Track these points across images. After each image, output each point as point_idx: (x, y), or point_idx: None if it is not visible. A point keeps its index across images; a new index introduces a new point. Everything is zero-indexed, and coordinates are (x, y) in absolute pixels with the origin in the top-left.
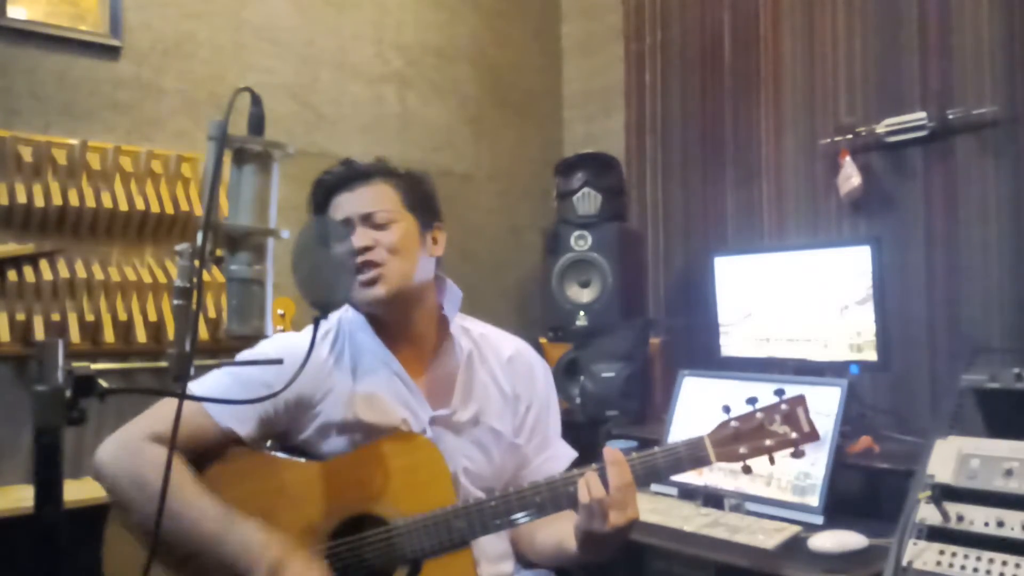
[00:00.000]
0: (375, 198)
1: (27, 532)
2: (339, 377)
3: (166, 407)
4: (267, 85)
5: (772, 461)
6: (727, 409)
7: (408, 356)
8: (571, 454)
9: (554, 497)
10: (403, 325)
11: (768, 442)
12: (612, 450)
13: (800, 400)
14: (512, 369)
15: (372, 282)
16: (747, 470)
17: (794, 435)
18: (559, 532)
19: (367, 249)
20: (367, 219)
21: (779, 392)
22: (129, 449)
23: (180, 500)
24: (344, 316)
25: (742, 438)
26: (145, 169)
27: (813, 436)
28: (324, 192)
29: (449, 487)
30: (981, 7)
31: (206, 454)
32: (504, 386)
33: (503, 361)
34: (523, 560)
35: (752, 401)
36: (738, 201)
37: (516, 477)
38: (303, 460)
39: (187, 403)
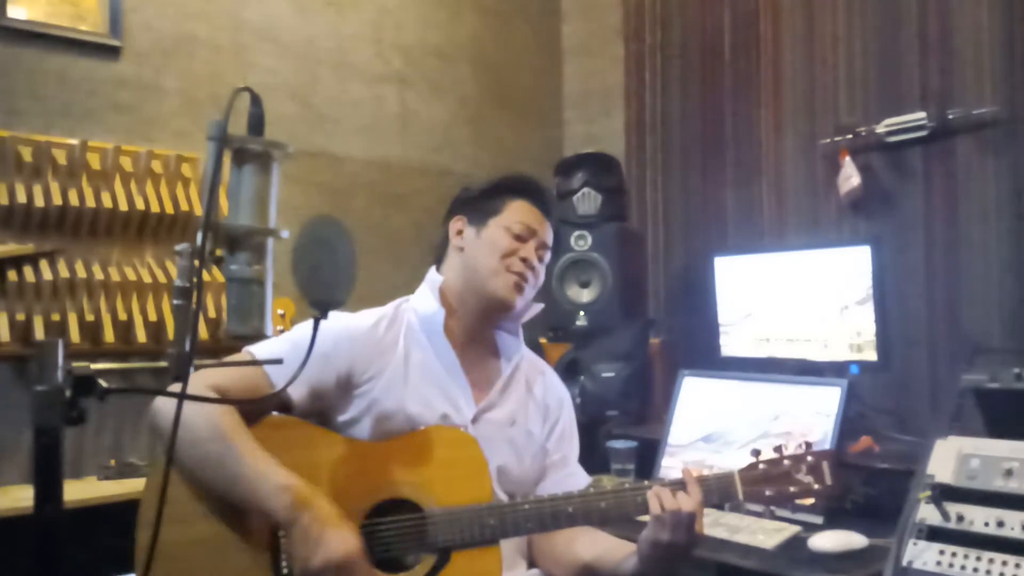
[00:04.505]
0: (551, 238)
1: (27, 532)
2: (391, 361)
3: (229, 368)
4: (267, 85)
5: (792, 508)
6: (756, 452)
7: (464, 352)
8: (587, 479)
9: (619, 504)
10: (479, 329)
11: (792, 489)
12: (687, 469)
13: (828, 454)
14: (545, 383)
15: (519, 288)
16: (770, 512)
17: (817, 487)
18: (595, 545)
19: (529, 265)
20: (542, 246)
21: (807, 444)
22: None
23: (231, 441)
24: (403, 307)
25: (769, 481)
26: (145, 169)
27: (834, 490)
28: (520, 189)
29: (487, 484)
30: (981, 7)
31: (256, 418)
32: (538, 394)
33: (537, 374)
34: (544, 572)
35: (779, 449)
36: (738, 201)
37: (534, 488)
38: (349, 438)
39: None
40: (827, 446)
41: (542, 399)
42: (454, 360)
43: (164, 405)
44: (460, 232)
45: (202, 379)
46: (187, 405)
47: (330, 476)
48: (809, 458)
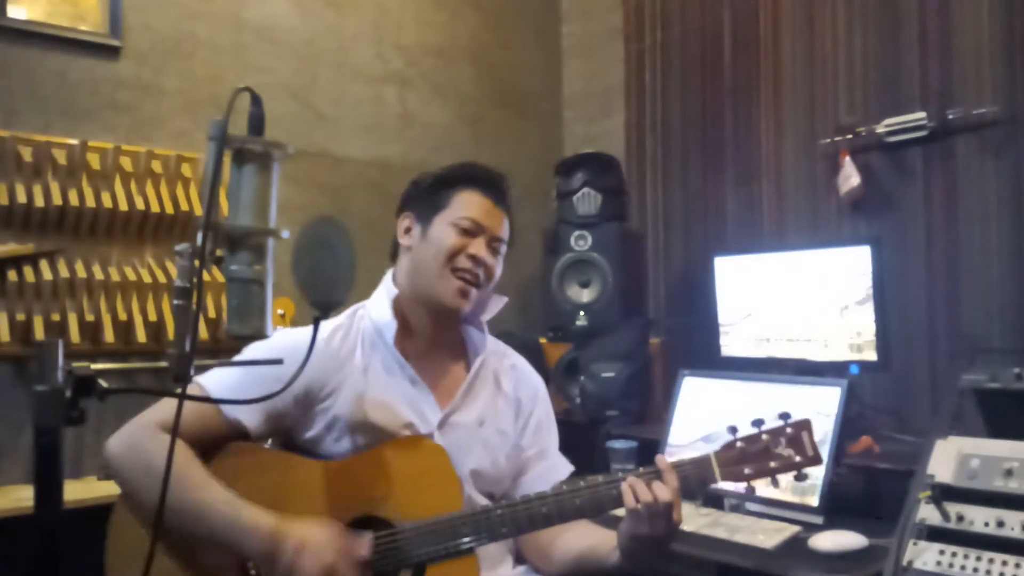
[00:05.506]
0: (506, 230)
1: (27, 532)
2: (350, 374)
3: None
4: (267, 85)
5: (776, 483)
6: (733, 429)
7: (423, 358)
8: (569, 468)
9: (594, 499)
10: (437, 332)
11: (773, 464)
12: (661, 457)
13: (805, 424)
14: (516, 376)
15: (464, 294)
16: (751, 490)
17: (798, 459)
18: (583, 540)
19: (479, 263)
20: (494, 240)
21: (784, 415)
22: (138, 437)
23: (188, 486)
24: (359, 313)
25: (748, 459)
26: (145, 169)
27: (816, 460)
28: (468, 179)
29: (457, 493)
30: (981, 7)
31: (214, 447)
32: (507, 389)
33: (507, 367)
34: (532, 568)
35: (758, 423)
36: (738, 201)
37: (515, 484)
38: (311, 459)
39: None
40: (827, 446)
41: (513, 394)
42: (410, 370)
43: (117, 448)
44: (408, 230)
45: (149, 420)
46: (143, 446)
47: (298, 499)
48: (788, 430)
